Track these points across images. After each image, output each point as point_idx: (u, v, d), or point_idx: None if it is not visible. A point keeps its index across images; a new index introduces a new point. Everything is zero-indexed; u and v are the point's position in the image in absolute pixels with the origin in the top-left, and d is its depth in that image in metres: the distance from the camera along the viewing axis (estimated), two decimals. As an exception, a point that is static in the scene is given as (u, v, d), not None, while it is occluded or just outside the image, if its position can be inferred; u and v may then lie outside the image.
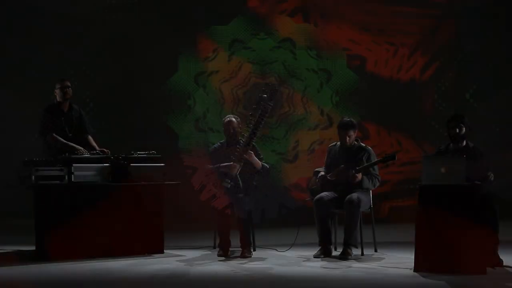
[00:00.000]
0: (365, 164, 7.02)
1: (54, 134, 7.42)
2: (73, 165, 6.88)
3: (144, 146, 7.84)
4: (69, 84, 7.54)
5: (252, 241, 7.25)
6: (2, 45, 10.26)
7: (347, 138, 7.09)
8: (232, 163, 7.08)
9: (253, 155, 7.15)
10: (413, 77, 10.44)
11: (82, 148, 7.34)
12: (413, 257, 6.13)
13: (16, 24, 10.29)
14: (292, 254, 7.21)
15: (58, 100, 7.55)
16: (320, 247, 7.00)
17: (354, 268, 6.41)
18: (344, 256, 6.80)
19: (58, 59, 10.23)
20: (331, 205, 7.01)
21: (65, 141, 7.41)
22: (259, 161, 7.21)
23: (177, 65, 10.42)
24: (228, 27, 10.36)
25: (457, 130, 6.57)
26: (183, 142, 10.34)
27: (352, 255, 6.86)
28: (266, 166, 7.29)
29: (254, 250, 7.33)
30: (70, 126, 7.55)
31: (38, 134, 7.57)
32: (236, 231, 7.16)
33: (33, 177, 6.77)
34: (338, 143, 7.25)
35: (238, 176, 7.07)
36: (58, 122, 7.48)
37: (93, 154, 7.23)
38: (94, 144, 7.61)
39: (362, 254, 7.04)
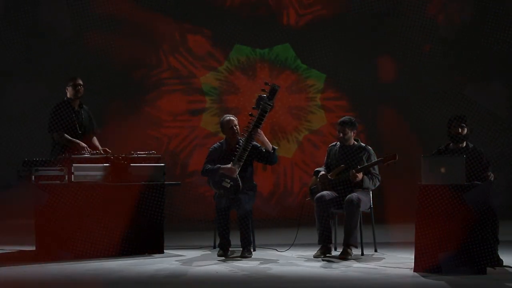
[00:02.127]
0: (366, 164, 7.03)
1: (61, 132, 7.44)
2: (73, 165, 6.89)
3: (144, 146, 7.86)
4: (81, 82, 7.56)
5: (252, 241, 7.25)
6: (6, 46, 10.27)
7: (341, 134, 7.10)
8: (231, 163, 7.08)
9: (263, 134, 7.14)
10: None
11: (86, 146, 7.36)
12: (413, 257, 6.13)
13: (22, 24, 10.29)
14: (292, 254, 7.21)
15: (68, 97, 7.57)
16: (320, 246, 7.00)
17: (354, 268, 6.41)
18: (344, 256, 6.79)
19: (60, 59, 10.23)
20: (332, 204, 7.01)
21: (71, 138, 7.42)
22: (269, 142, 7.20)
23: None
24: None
25: (459, 130, 6.57)
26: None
27: (352, 255, 6.86)
28: (276, 148, 7.27)
29: (254, 250, 7.33)
30: (80, 124, 7.57)
31: (47, 131, 7.57)
32: (236, 231, 7.16)
33: (33, 177, 6.78)
34: (338, 143, 7.25)
35: (238, 176, 7.07)
36: (68, 119, 7.50)
37: (93, 154, 7.23)
38: (97, 144, 7.63)
39: (362, 254, 7.04)
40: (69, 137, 7.44)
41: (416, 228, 6.09)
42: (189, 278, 6.08)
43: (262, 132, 7.11)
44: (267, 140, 7.18)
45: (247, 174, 7.21)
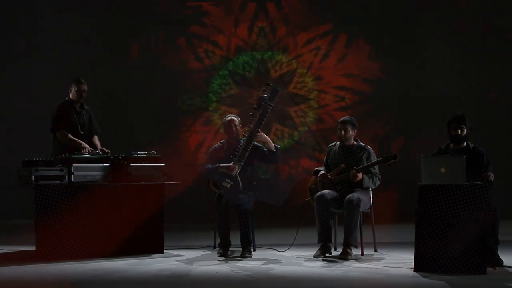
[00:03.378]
0: (366, 164, 7.03)
1: (63, 131, 7.45)
2: (73, 165, 6.89)
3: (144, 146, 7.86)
4: (86, 88, 7.55)
5: (252, 241, 7.25)
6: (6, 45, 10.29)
7: (342, 132, 7.10)
8: (231, 163, 7.08)
9: (264, 134, 7.12)
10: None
11: (88, 146, 7.37)
12: (413, 257, 6.13)
13: (22, 24, 10.30)
14: (292, 254, 7.22)
15: (71, 98, 7.57)
16: (320, 245, 7.00)
17: (354, 268, 6.41)
18: (344, 256, 6.79)
19: (61, 60, 10.25)
20: (332, 204, 7.01)
21: (73, 137, 7.43)
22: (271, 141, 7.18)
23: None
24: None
25: (459, 132, 6.56)
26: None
27: (352, 255, 6.86)
28: (278, 146, 7.27)
29: (254, 250, 7.33)
30: (82, 124, 7.58)
31: (49, 130, 7.58)
32: (236, 231, 7.16)
33: (33, 177, 6.78)
34: (338, 143, 7.25)
35: (238, 176, 7.07)
36: (71, 120, 7.51)
37: (93, 154, 7.23)
38: (97, 143, 7.65)
39: (362, 254, 7.04)
40: (71, 136, 7.45)
41: (416, 228, 6.09)
42: (189, 278, 6.08)
43: (262, 133, 7.10)
44: (269, 139, 7.18)
45: (247, 174, 7.21)
